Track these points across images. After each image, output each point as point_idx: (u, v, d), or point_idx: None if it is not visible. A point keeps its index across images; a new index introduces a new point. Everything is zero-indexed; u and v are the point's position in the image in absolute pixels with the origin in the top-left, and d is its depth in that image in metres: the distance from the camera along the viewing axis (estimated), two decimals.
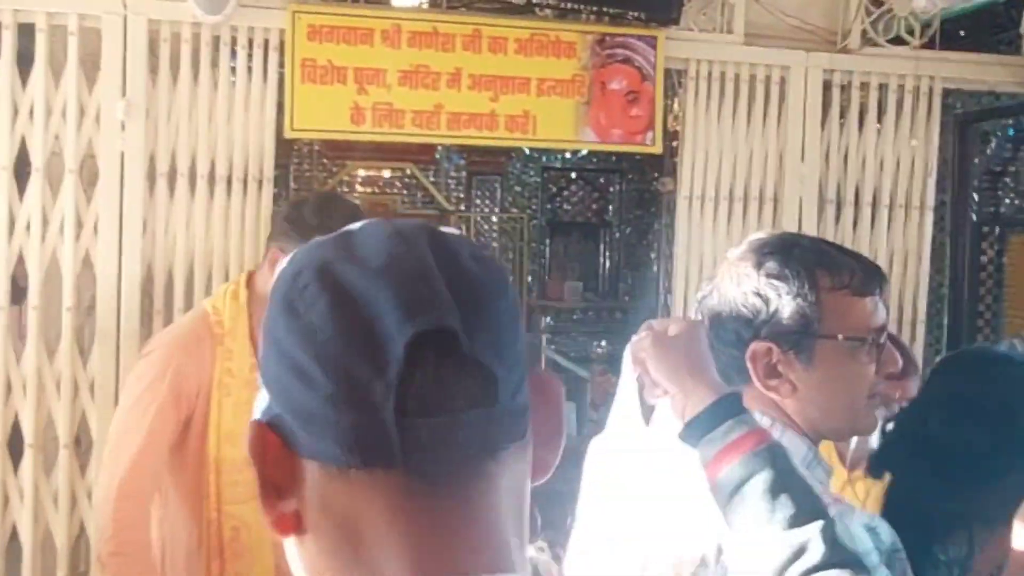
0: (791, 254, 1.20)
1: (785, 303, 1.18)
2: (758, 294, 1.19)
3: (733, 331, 1.20)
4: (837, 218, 3.45)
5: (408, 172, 8.62)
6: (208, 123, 3.06)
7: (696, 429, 1.10)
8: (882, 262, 3.44)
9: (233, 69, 3.09)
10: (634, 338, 1.20)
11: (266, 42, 3.09)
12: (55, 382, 2.92)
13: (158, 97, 3.02)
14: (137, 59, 3.00)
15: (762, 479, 1.04)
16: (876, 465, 1.42)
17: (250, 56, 3.07)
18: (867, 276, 1.21)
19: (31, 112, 2.96)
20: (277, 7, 3.07)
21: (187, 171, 3.05)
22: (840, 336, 1.17)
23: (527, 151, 8.41)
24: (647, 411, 1.20)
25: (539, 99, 3.20)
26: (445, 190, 8.68)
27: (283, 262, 0.61)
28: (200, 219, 3.04)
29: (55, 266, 2.97)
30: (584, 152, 8.20)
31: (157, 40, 3.02)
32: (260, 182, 3.10)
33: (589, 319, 8.63)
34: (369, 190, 8.79)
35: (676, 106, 3.67)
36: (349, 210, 2.16)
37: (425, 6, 3.58)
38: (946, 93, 4.60)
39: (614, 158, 8.47)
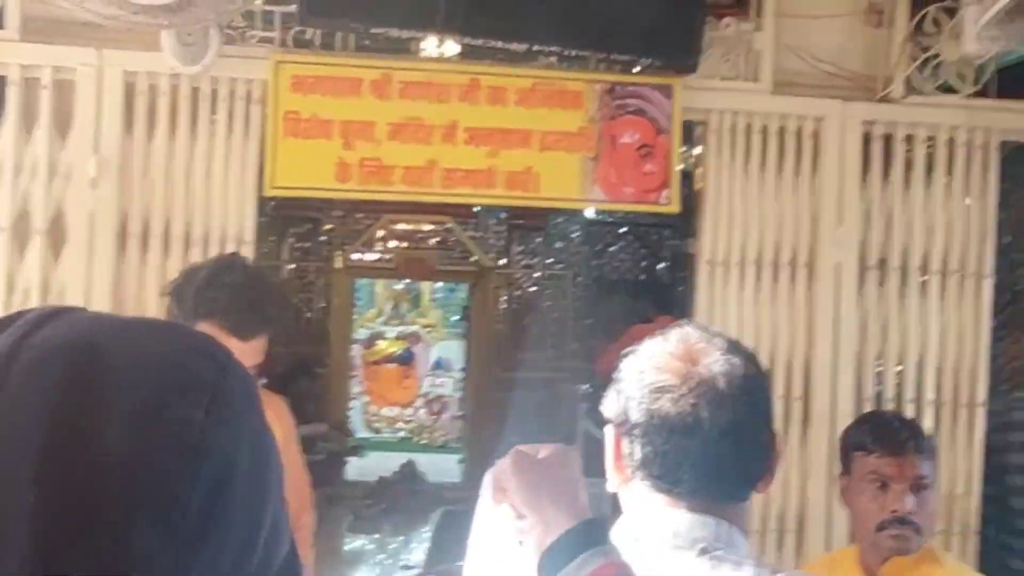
0: None
1: None
2: None
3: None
4: (881, 287, 3.20)
5: (446, 226, 8.58)
6: (185, 180, 3.00)
7: (551, 561, 0.99)
8: (933, 336, 3.19)
9: (213, 123, 3.03)
10: (497, 462, 1.09)
11: (248, 94, 3.03)
12: None
13: (133, 153, 2.98)
14: (112, 113, 2.96)
15: None
16: None
17: (231, 109, 3.01)
18: None
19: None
20: (260, 57, 3.00)
21: (161, 232, 2.98)
22: None
23: None
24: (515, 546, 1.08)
25: (542, 154, 3.06)
26: (484, 245, 8.60)
27: None
28: None
29: None
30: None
31: (133, 93, 2.99)
32: (240, 244, 3.02)
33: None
34: (405, 245, 8.77)
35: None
36: (246, 281, 1.95)
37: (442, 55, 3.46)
38: (1021, 144, 4.36)
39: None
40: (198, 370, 0.44)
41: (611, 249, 8.65)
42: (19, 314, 0.44)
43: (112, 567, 0.38)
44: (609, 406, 1.19)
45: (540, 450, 1.06)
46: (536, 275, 8.68)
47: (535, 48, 3.00)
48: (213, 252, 2.98)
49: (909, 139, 3.21)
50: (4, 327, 0.43)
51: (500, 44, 2.98)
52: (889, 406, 3.15)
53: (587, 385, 8.01)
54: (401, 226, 8.59)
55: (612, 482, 1.19)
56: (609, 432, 1.18)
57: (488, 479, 1.07)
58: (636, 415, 1.13)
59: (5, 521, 0.37)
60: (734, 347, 1.17)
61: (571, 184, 3.10)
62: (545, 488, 1.03)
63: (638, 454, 1.13)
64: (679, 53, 3.02)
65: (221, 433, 0.43)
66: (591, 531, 1.00)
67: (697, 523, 1.11)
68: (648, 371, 1.14)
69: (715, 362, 1.13)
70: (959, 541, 3.16)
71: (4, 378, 0.39)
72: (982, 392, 3.21)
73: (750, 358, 1.18)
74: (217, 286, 1.90)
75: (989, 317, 3.23)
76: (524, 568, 1.03)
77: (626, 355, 1.20)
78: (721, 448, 1.10)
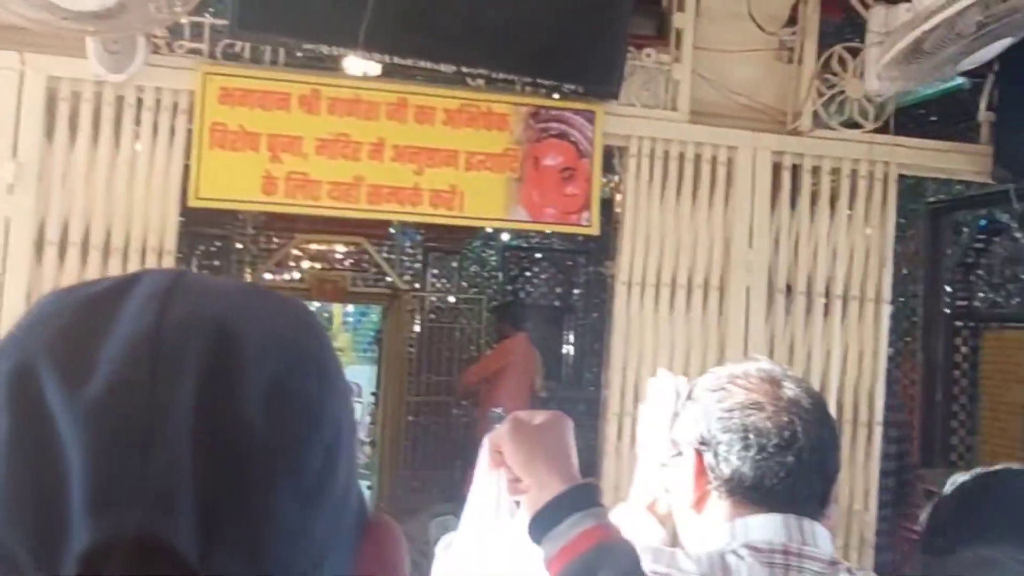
0: None
1: None
2: None
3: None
4: (788, 310, 3.41)
5: (360, 247, 8.60)
6: (106, 189, 3.01)
7: (542, 523, 1.06)
8: (835, 358, 3.40)
9: (137, 132, 3.05)
10: (496, 428, 1.15)
11: (175, 104, 3.06)
12: None
13: (53, 159, 2.98)
14: (32, 118, 2.96)
15: None
16: None
17: (156, 119, 3.04)
18: None
19: None
20: (187, 67, 3.05)
21: (80, 240, 2.98)
22: None
23: (488, 229, 8.42)
24: (513, 508, 1.16)
25: (467, 173, 3.18)
26: (399, 267, 8.64)
27: None
28: None
29: None
30: (548, 231, 8.21)
31: (55, 98, 2.99)
32: (160, 254, 3.04)
33: (549, 409, 8.51)
34: (318, 265, 8.76)
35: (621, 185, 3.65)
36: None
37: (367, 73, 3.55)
38: (917, 181, 4.67)
39: (580, 238, 8.49)
40: (306, 344, 0.49)
41: (527, 274, 8.80)
42: (132, 282, 0.47)
43: (260, 530, 0.43)
44: (685, 428, 1.23)
45: (536, 416, 1.13)
46: (451, 299, 8.76)
47: (463, 70, 3.12)
48: (133, 262, 3.00)
49: (815, 170, 3.43)
50: (120, 293, 0.46)
51: (429, 65, 3.08)
52: None
53: (499, 409, 8.12)
54: (315, 246, 8.57)
55: (684, 501, 1.22)
56: (687, 451, 1.22)
57: (486, 444, 1.14)
58: (724, 433, 1.17)
59: (174, 491, 0.41)
60: (797, 376, 1.24)
61: (495, 203, 3.22)
62: (540, 452, 1.09)
63: (726, 469, 1.17)
64: (602, 80, 3.18)
65: (330, 401, 0.48)
66: (583, 494, 1.07)
67: (826, 535, 1.16)
68: (734, 391, 1.19)
69: (795, 385, 1.21)
70: (856, 555, 3.35)
71: (155, 357, 0.43)
72: (879, 412, 3.42)
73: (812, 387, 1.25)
74: None
75: (886, 341, 3.45)
76: (519, 531, 1.09)
77: (694, 386, 1.26)
78: (812, 463, 1.15)
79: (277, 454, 0.44)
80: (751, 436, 1.16)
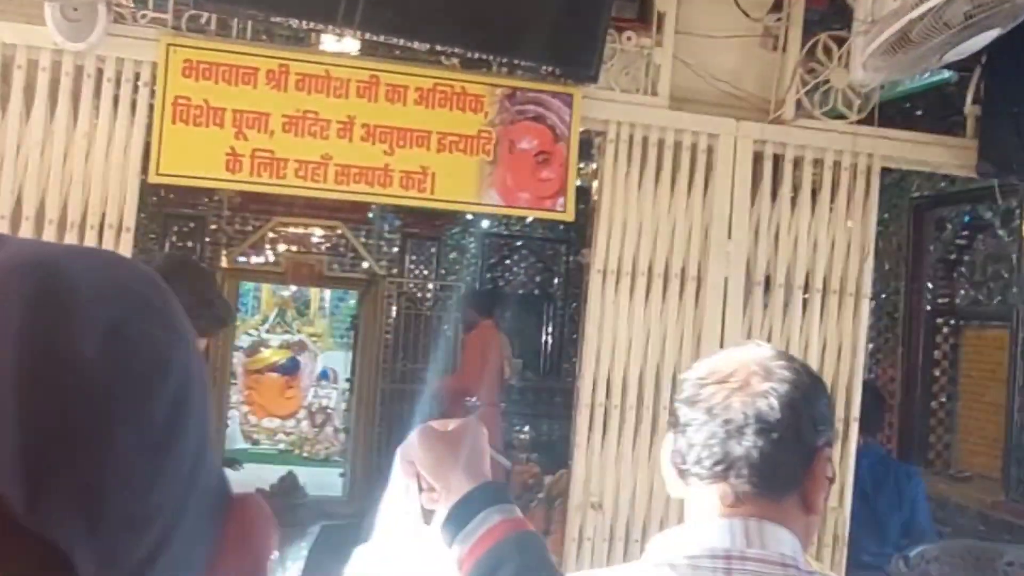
0: None
1: None
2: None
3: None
4: (766, 302, 3.35)
5: (338, 231, 8.51)
6: (63, 162, 2.91)
7: (452, 524, 1.07)
8: (814, 352, 3.34)
9: (97, 104, 2.96)
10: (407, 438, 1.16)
11: (136, 76, 2.97)
12: None
13: (7, 129, 2.88)
14: None
15: (510, 570, 1.02)
16: None
17: (117, 91, 2.95)
18: None
19: None
20: (150, 38, 2.95)
21: (34, 214, 2.89)
22: None
23: (468, 215, 8.34)
24: (427, 516, 1.15)
25: (439, 155, 3.09)
26: (377, 252, 8.56)
27: None
28: None
29: None
30: (529, 219, 8.15)
31: (11, 66, 2.89)
32: (119, 230, 2.95)
33: (527, 400, 8.49)
34: (294, 248, 8.66)
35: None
36: (200, 282, 2.03)
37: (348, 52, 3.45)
38: (901, 176, 4.63)
39: (561, 227, 8.43)
40: (147, 294, 0.46)
41: (506, 262, 8.72)
42: None
43: (98, 479, 0.39)
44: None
45: (448, 424, 1.14)
46: (428, 286, 8.68)
47: (437, 48, 3.04)
48: (90, 238, 2.91)
49: (797, 160, 3.36)
50: None
51: (402, 42, 3.00)
52: None
53: (474, 399, 8.06)
54: (291, 229, 8.47)
55: (674, 488, 1.18)
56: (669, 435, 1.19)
57: (398, 455, 1.13)
58: (686, 407, 1.14)
59: None
60: (788, 356, 1.18)
61: (467, 187, 3.14)
62: (449, 459, 1.10)
63: (685, 446, 1.13)
64: (581, 63, 3.10)
65: (178, 349, 0.45)
66: (490, 492, 1.08)
67: (785, 536, 1.09)
68: (706, 368, 1.16)
69: (758, 361, 1.14)
70: (830, 552, 3.31)
71: None
72: (856, 408, 3.37)
73: (804, 366, 1.18)
74: (177, 282, 1.87)
75: (865, 335, 3.40)
76: (430, 540, 1.09)
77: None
78: (746, 437, 1.09)
79: (117, 398, 0.41)
80: (695, 410, 1.13)
